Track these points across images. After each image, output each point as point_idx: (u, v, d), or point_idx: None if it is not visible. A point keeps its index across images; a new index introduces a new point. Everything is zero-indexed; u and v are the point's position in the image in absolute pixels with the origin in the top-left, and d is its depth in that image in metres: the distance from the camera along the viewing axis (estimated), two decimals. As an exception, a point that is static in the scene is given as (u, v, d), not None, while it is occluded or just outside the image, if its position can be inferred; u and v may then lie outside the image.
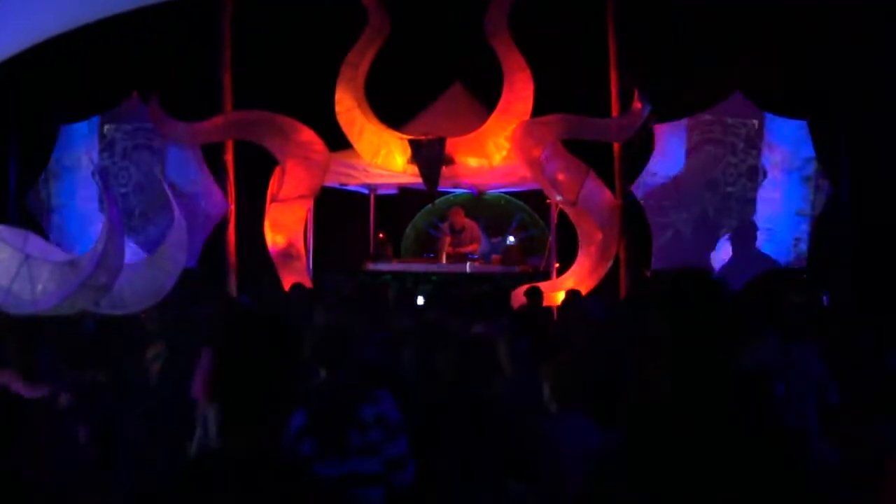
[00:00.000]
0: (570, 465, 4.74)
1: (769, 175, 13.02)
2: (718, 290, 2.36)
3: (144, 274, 8.47)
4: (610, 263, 13.32)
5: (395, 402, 4.53)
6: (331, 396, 4.49)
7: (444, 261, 14.61)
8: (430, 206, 15.43)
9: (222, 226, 14.03)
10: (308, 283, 12.90)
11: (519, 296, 11.32)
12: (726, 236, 13.00)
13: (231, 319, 2.30)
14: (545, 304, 11.12)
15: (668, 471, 2.17)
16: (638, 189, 13.22)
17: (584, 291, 12.26)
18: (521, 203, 16.46)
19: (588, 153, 13.27)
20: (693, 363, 2.26)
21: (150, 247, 12.81)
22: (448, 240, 14.82)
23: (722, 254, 12.99)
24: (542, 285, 11.46)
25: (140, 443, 6.05)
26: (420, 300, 11.00)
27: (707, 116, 13.11)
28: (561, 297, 11.51)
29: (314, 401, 4.47)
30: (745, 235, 12.94)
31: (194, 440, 5.11)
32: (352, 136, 13.72)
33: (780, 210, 13.05)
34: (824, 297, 11.84)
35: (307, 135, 13.39)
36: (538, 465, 4.84)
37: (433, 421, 4.86)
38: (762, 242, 12.96)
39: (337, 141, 13.73)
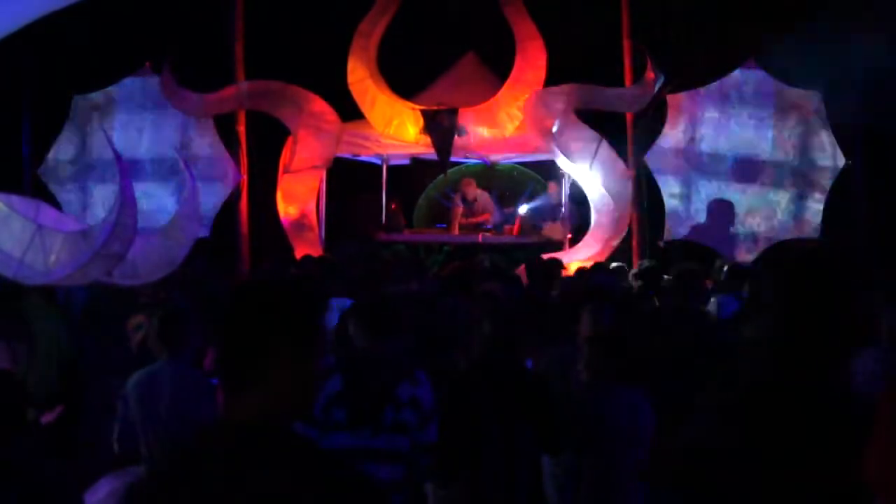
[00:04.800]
0: (620, 437, 4.75)
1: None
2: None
3: (157, 244, 8.49)
4: (623, 234, 13.30)
5: (431, 387, 4.44)
6: (371, 368, 4.41)
7: (456, 231, 14.60)
8: (442, 176, 15.41)
9: (235, 196, 14.03)
10: (320, 254, 12.91)
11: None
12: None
13: (243, 285, 2.26)
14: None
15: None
16: (651, 159, 13.18)
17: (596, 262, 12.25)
18: (533, 173, 16.41)
19: (601, 123, 13.22)
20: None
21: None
22: (460, 210, 14.80)
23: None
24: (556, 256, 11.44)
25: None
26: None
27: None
28: (574, 268, 11.48)
29: (352, 368, 4.41)
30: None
31: None
32: (364, 107, 13.69)
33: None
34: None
35: (319, 105, 13.38)
36: (586, 436, 4.83)
37: (465, 394, 4.82)
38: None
39: (349, 111, 13.71)
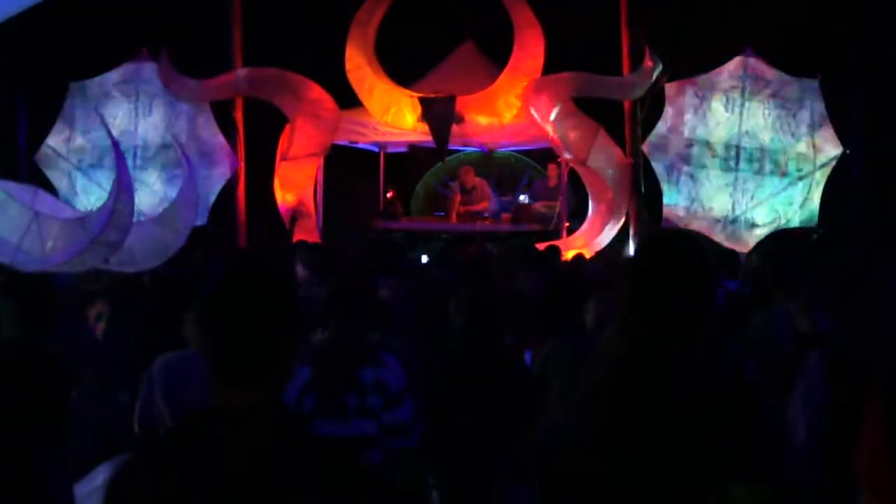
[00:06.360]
0: None
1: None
2: (697, 252, 2.40)
3: (154, 231, 8.49)
4: (620, 222, 13.30)
5: (401, 368, 4.41)
6: (335, 354, 4.41)
7: (454, 220, 14.59)
8: (440, 164, 15.39)
9: (232, 184, 14.00)
10: (318, 241, 12.89)
11: None
12: None
13: (224, 271, 2.24)
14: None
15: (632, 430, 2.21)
16: (649, 147, 13.19)
17: (594, 251, 12.26)
18: (531, 161, 16.40)
19: (599, 111, 13.20)
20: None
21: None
22: (458, 198, 14.79)
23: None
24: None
25: (91, 403, 6.00)
26: (424, 258, 11.07)
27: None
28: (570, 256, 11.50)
29: (320, 357, 4.40)
30: None
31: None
32: (362, 94, 13.68)
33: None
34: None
35: (317, 92, 13.34)
36: None
37: (447, 382, 4.82)
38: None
39: (347, 99, 13.69)
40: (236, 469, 1.99)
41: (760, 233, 12.93)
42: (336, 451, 2.14)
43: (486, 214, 14.64)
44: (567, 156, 13.19)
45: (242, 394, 2.09)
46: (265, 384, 2.11)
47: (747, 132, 13.02)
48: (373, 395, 4.27)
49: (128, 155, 13.91)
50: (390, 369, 4.37)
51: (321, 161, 13.96)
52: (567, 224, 14.00)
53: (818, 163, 12.91)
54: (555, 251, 10.39)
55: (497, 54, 14.22)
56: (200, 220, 12.38)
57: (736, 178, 13.06)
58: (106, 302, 6.76)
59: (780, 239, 12.73)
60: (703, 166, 13.12)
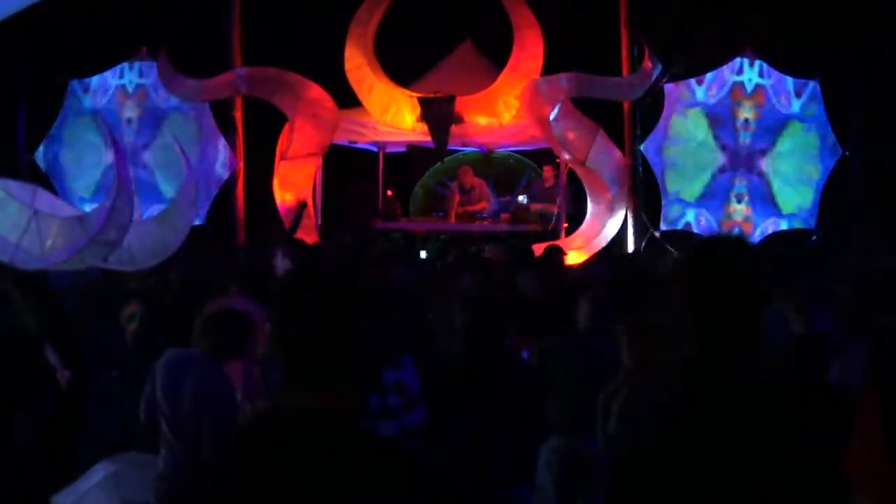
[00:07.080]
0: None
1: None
2: (755, 257, 2.40)
3: (153, 230, 8.47)
4: (619, 223, 13.29)
5: (415, 371, 4.44)
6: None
7: (453, 220, 14.56)
8: (438, 164, 15.37)
9: (231, 183, 14.00)
10: (316, 241, 12.88)
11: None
12: None
13: (302, 273, 2.21)
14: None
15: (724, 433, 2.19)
16: (647, 148, 13.20)
17: (592, 251, 12.26)
18: (530, 162, 16.37)
19: (598, 112, 13.20)
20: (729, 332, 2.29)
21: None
22: (457, 199, 14.75)
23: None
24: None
25: (116, 404, 5.98)
26: (423, 254, 11.09)
27: None
28: (571, 257, 11.49)
29: None
30: None
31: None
32: (361, 94, 13.67)
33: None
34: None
35: (317, 92, 13.32)
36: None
37: (446, 382, 4.82)
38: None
39: (346, 98, 13.68)
40: (300, 470, 1.97)
41: (759, 234, 12.94)
42: (403, 454, 2.12)
43: (485, 215, 14.61)
44: (566, 156, 13.19)
45: (314, 397, 2.08)
46: (337, 387, 2.10)
47: (745, 132, 13.04)
48: (392, 395, 4.32)
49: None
50: (408, 371, 4.41)
51: (320, 161, 13.94)
52: (566, 225, 13.97)
53: (814, 163, 12.93)
54: (557, 251, 10.34)
55: (496, 55, 14.21)
56: (199, 220, 12.39)
57: (735, 179, 13.08)
58: (140, 303, 6.75)
59: (780, 240, 12.75)
60: (702, 166, 13.14)
